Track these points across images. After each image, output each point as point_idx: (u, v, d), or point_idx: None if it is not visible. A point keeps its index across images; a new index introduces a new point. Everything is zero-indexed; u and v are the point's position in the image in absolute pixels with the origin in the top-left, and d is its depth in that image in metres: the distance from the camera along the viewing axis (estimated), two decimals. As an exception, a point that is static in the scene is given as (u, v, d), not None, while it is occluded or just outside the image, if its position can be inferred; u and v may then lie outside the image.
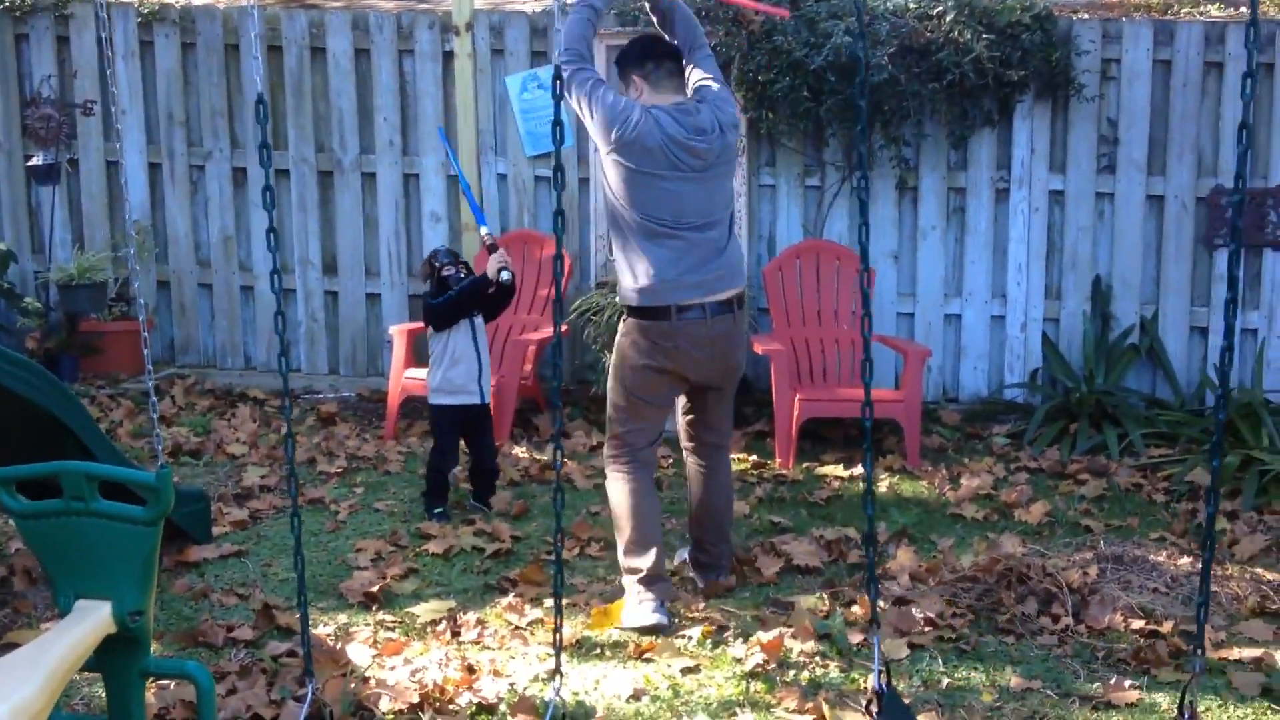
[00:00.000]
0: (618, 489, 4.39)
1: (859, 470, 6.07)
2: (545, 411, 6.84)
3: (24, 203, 7.71)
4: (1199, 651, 3.03)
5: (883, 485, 5.89)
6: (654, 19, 4.56)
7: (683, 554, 4.81)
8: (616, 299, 4.43)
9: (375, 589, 4.51)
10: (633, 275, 4.28)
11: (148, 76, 7.57)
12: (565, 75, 4.20)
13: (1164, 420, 6.47)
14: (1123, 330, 6.96)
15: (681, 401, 4.59)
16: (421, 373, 6.67)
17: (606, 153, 4.27)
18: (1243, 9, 8.04)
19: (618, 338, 4.47)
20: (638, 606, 4.27)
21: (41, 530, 2.98)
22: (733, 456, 6.26)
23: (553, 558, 4.73)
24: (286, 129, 7.47)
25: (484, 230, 5.37)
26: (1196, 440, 6.24)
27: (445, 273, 5.37)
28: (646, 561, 4.29)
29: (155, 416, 3.25)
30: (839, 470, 6.09)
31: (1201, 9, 7.95)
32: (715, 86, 4.40)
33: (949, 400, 7.12)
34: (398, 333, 6.68)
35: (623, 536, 4.38)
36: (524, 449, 6.37)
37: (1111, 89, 6.88)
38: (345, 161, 7.43)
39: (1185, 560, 4.84)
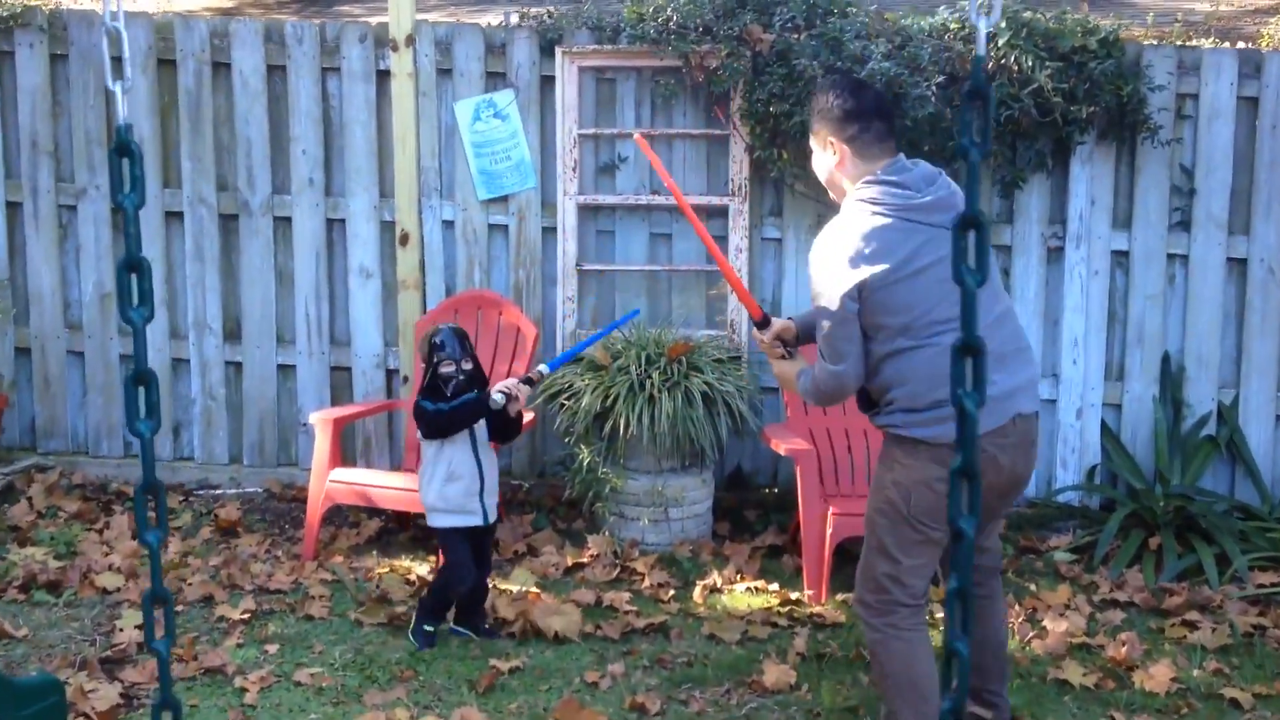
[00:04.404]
0: (899, 651, 3.42)
1: (911, 606, 4.80)
2: (504, 520, 5.47)
3: None
4: None
5: (945, 628, 4.64)
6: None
7: None
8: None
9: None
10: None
11: (6, 95, 6.10)
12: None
13: (1268, 538, 5.31)
14: (1197, 419, 5.80)
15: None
16: (351, 473, 5.32)
17: None
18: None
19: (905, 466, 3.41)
20: None
21: None
22: (745, 585, 5.01)
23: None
24: (180, 162, 6.03)
25: (541, 368, 4.53)
26: (1314, 564, 5.10)
27: (443, 370, 4.38)
28: None
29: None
30: (885, 605, 4.82)
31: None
32: None
33: (989, 500, 5.90)
34: (320, 422, 5.27)
35: (903, 714, 3.44)
36: (482, 574, 5.02)
37: (1186, 130, 5.73)
38: (254, 203, 6.02)
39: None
